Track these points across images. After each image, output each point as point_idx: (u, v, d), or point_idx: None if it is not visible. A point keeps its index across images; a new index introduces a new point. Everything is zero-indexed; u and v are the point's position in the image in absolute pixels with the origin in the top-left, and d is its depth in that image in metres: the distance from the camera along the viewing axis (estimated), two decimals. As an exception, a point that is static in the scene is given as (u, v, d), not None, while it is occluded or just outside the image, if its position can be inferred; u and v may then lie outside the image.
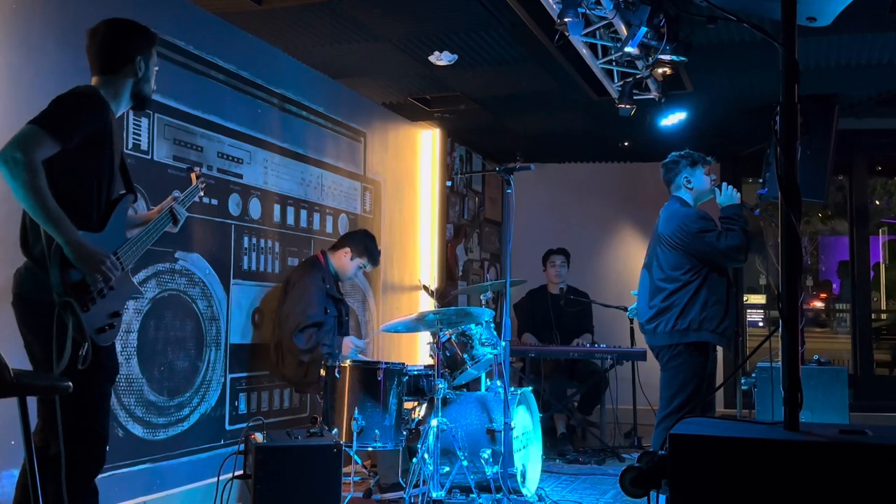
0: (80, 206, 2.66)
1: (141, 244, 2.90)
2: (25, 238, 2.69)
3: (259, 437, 3.72)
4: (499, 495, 4.27)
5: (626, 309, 6.59)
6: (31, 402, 2.28)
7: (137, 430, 3.89)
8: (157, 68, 2.97)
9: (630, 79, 4.87)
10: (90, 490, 2.75)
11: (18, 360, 2.57)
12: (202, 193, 3.39)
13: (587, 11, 4.16)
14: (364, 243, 4.97)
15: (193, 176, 3.33)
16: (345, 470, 3.75)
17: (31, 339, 2.70)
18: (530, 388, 4.93)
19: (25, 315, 2.70)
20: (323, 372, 4.47)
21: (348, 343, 4.81)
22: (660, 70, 4.54)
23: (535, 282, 6.97)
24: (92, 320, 2.63)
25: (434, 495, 4.23)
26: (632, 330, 6.69)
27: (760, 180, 6.15)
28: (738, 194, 4.47)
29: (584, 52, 4.57)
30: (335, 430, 4.19)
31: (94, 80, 2.87)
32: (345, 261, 4.92)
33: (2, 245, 3.24)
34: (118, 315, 2.75)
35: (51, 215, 2.52)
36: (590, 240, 7.96)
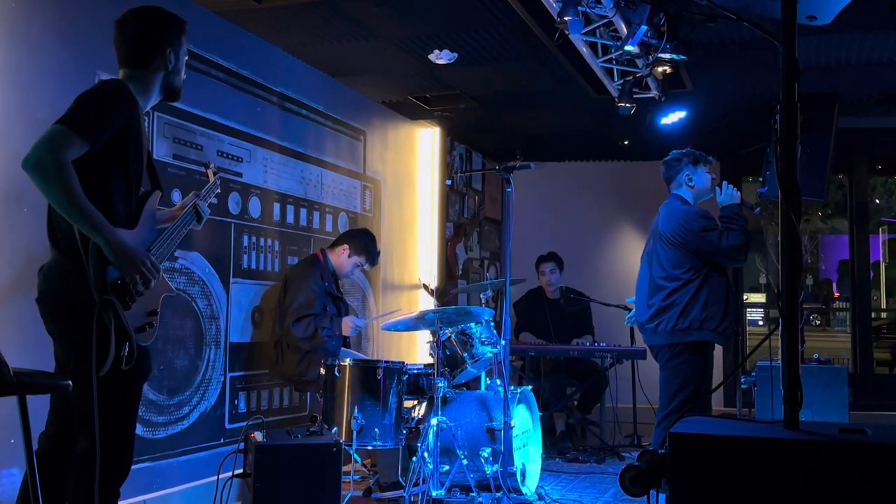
0: (112, 205, 2.56)
1: (171, 242, 2.80)
2: (53, 232, 2.58)
3: (259, 435, 3.72)
4: (498, 494, 4.27)
5: (625, 308, 6.60)
6: (32, 401, 2.27)
7: (137, 429, 3.87)
8: (186, 57, 2.82)
9: (630, 77, 4.87)
10: (116, 494, 2.66)
11: (18, 358, 2.57)
12: (219, 190, 3.28)
13: (587, 10, 4.16)
14: (363, 242, 4.97)
15: (210, 172, 3.23)
16: (344, 468, 3.75)
17: (57, 337, 2.60)
18: (530, 387, 4.93)
19: (55, 312, 2.57)
20: (323, 370, 4.47)
21: (348, 322, 4.79)
22: (660, 69, 4.54)
23: (534, 281, 6.97)
24: (131, 319, 2.53)
25: (434, 494, 4.23)
26: (631, 329, 6.68)
27: (760, 179, 6.15)
28: (738, 193, 4.47)
29: (584, 50, 4.57)
30: (335, 429, 4.19)
31: (121, 73, 2.73)
32: (342, 258, 4.91)
33: (1, 245, 3.24)
34: (156, 314, 2.66)
35: (86, 216, 2.41)
36: (589, 238, 7.96)
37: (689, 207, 4.48)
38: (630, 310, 4.78)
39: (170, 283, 2.87)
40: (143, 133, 2.72)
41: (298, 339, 4.58)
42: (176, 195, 4.15)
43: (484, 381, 5.17)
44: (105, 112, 2.54)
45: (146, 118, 3.96)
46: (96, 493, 2.43)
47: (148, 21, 2.75)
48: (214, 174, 3.24)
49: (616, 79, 4.98)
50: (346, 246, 4.92)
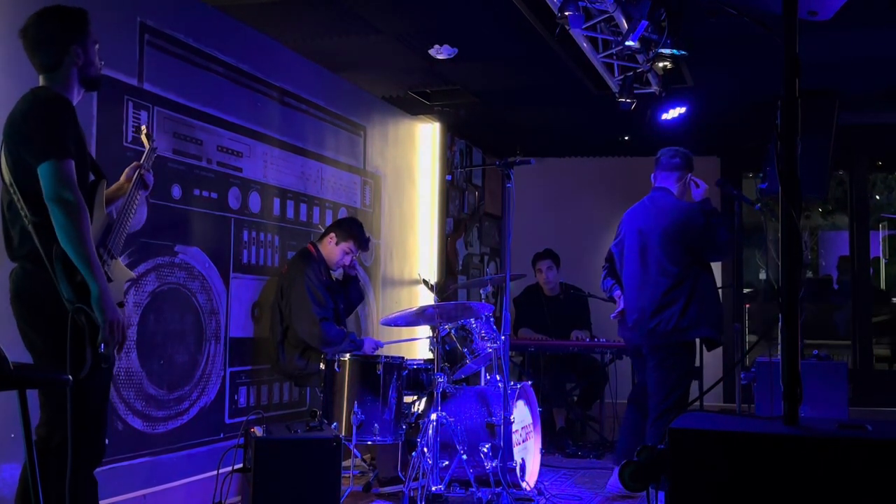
0: None
1: (124, 224, 2.89)
2: (9, 241, 2.69)
3: (258, 430, 3.73)
4: (498, 489, 4.28)
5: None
6: (32, 394, 2.27)
7: (137, 424, 3.89)
8: (97, 45, 2.86)
9: (630, 73, 4.86)
10: (91, 482, 2.76)
11: (18, 353, 2.57)
12: (156, 155, 3.26)
13: (588, 5, 4.15)
14: (347, 227, 4.90)
15: (144, 137, 3.21)
16: (344, 463, 3.75)
17: (33, 336, 2.69)
18: (530, 383, 4.93)
19: (28, 314, 2.69)
20: (322, 366, 4.47)
21: (370, 344, 4.88)
22: (660, 64, 4.54)
23: (532, 278, 6.95)
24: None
25: (433, 489, 4.24)
26: (631, 324, 6.68)
27: (761, 175, 6.15)
28: (705, 186, 4.58)
29: (585, 45, 4.57)
30: (335, 424, 4.20)
31: (41, 80, 2.80)
32: (330, 247, 4.86)
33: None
34: (122, 305, 2.75)
35: (90, 261, 2.55)
36: (589, 234, 7.95)
37: (686, 203, 4.50)
38: (615, 303, 4.81)
39: (127, 268, 2.95)
40: (80, 129, 2.78)
41: (326, 343, 4.58)
42: (176, 190, 4.15)
43: (483, 376, 5.17)
44: (62, 124, 2.65)
45: (145, 112, 3.95)
46: (67, 484, 2.53)
47: (46, 24, 2.79)
48: (149, 138, 3.20)
49: (616, 74, 4.97)
50: (332, 235, 4.87)
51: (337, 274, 5.06)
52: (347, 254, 4.89)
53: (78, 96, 2.84)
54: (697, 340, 4.56)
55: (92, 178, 2.85)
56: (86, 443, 2.65)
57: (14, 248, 2.68)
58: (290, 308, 4.64)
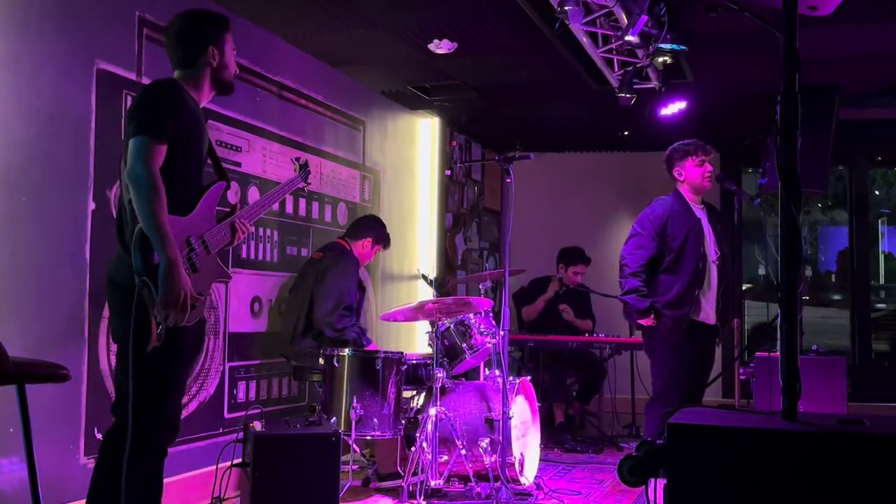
0: (170, 191, 2.70)
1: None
2: (122, 226, 2.77)
3: (258, 425, 3.73)
4: (497, 484, 4.28)
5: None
6: (34, 389, 2.27)
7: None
8: (235, 51, 3.03)
9: (630, 68, 4.85)
10: (144, 475, 2.77)
11: (17, 348, 2.57)
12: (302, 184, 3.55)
13: (587, 0, 4.14)
14: (381, 232, 5.14)
15: (297, 166, 3.55)
16: (343, 458, 3.76)
17: (115, 321, 2.80)
18: (529, 378, 4.94)
19: (112, 298, 2.80)
20: (322, 360, 4.47)
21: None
22: (660, 59, 4.52)
23: (533, 271, 6.94)
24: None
25: (432, 484, 4.24)
26: (630, 320, 6.69)
27: (760, 170, 6.14)
28: None
29: (585, 40, 4.56)
30: (334, 419, 4.20)
31: (175, 74, 2.93)
32: (367, 250, 5.05)
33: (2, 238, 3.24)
34: (201, 296, 2.79)
35: (161, 233, 2.60)
36: (589, 229, 7.95)
37: (649, 207, 4.66)
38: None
39: (225, 268, 3.07)
40: (202, 126, 2.91)
41: (334, 329, 4.62)
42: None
43: (483, 371, 5.18)
44: (166, 108, 2.74)
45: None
46: (125, 468, 2.57)
47: (189, 24, 2.97)
48: (300, 168, 3.52)
49: (616, 69, 4.96)
50: (369, 239, 5.05)
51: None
52: (377, 253, 5.19)
53: (208, 96, 2.99)
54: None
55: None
56: (145, 422, 2.65)
57: (123, 233, 2.76)
58: (321, 287, 4.69)
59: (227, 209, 3.08)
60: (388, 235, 5.18)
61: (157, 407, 2.74)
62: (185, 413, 4.19)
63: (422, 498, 4.17)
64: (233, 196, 4.59)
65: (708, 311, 4.55)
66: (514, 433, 4.49)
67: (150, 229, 2.60)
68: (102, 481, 2.69)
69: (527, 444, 4.76)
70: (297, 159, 3.68)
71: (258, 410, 4.25)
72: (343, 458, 3.74)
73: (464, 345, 4.68)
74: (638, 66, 4.81)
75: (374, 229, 5.12)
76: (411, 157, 6.84)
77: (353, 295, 4.79)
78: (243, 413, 4.46)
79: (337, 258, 4.81)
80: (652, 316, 4.46)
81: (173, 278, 2.60)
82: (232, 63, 3.00)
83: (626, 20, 4.14)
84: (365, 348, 4.70)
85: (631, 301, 4.51)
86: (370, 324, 5.97)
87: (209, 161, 3.03)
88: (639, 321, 4.55)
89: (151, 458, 2.78)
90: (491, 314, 4.86)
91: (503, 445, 4.33)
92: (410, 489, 4.21)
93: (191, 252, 2.78)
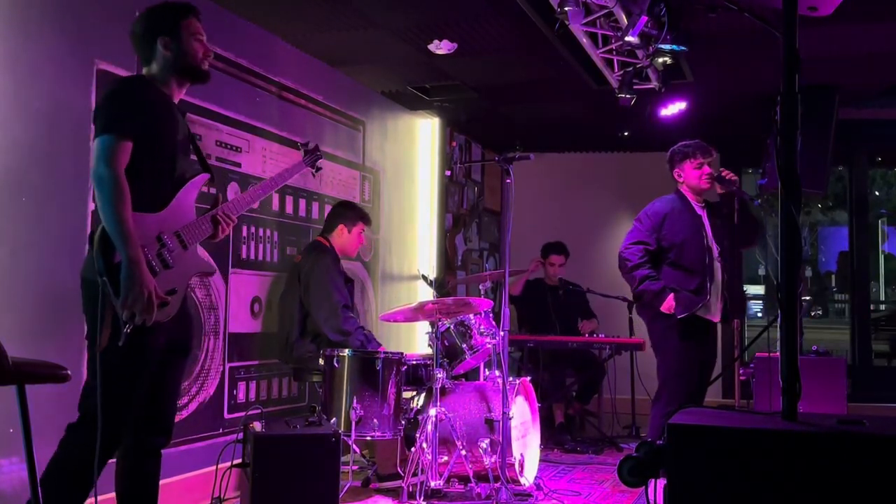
0: (139, 188, 2.70)
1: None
2: (94, 225, 2.77)
3: (258, 425, 3.73)
4: (497, 484, 4.28)
5: (624, 299, 6.62)
6: (31, 389, 2.27)
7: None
8: (196, 37, 2.94)
9: (630, 68, 4.85)
10: (138, 475, 2.84)
11: (17, 347, 2.57)
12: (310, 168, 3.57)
13: (587, 0, 4.14)
14: (350, 212, 4.96)
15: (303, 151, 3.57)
16: (343, 459, 3.75)
17: (86, 319, 2.77)
18: (529, 378, 4.94)
19: (82, 295, 2.77)
20: (321, 361, 4.47)
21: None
22: (660, 59, 4.53)
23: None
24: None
25: (432, 484, 4.24)
26: (630, 320, 6.69)
27: (760, 170, 6.14)
28: None
29: (585, 41, 4.56)
30: (333, 420, 4.20)
31: (143, 71, 2.94)
32: (345, 237, 4.90)
33: (2, 236, 3.24)
34: (173, 293, 2.77)
35: (120, 233, 2.59)
36: (589, 229, 7.96)
37: (649, 204, 4.71)
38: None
39: (207, 260, 3.06)
40: (173, 121, 2.88)
41: (341, 333, 4.59)
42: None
43: (483, 372, 5.18)
44: (127, 105, 2.74)
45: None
46: (96, 468, 2.62)
47: (141, 20, 2.95)
48: (307, 152, 3.53)
49: (616, 69, 4.96)
50: (340, 226, 4.91)
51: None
52: (362, 233, 4.99)
53: (180, 88, 2.96)
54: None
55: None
56: (109, 421, 2.65)
57: (90, 233, 2.76)
58: (310, 296, 4.65)
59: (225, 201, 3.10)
60: (359, 214, 5.00)
61: (119, 406, 2.72)
62: (185, 413, 4.19)
63: (422, 498, 4.17)
64: (232, 196, 4.59)
65: (713, 308, 4.57)
66: (514, 434, 4.49)
67: (111, 228, 2.60)
68: (51, 468, 2.68)
69: (527, 445, 4.76)
70: (305, 143, 3.62)
71: (258, 411, 4.24)
72: (343, 458, 3.74)
73: (464, 345, 4.68)
74: (638, 66, 4.81)
75: (341, 214, 4.96)
76: (411, 158, 6.83)
77: (343, 291, 4.72)
78: (243, 413, 4.46)
79: (315, 260, 4.73)
80: (671, 296, 4.46)
81: (134, 278, 2.59)
82: (194, 49, 2.92)
83: (625, 21, 4.14)
84: (367, 346, 4.70)
85: (645, 286, 4.51)
86: (370, 324, 5.97)
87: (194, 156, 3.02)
88: (658, 306, 4.50)
89: (142, 458, 2.80)
90: (491, 315, 4.86)
91: (503, 446, 4.32)
92: (410, 490, 4.21)
93: (162, 248, 2.75)
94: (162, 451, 2.99)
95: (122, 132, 2.67)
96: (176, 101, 2.96)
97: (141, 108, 2.75)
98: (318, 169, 3.64)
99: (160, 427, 2.94)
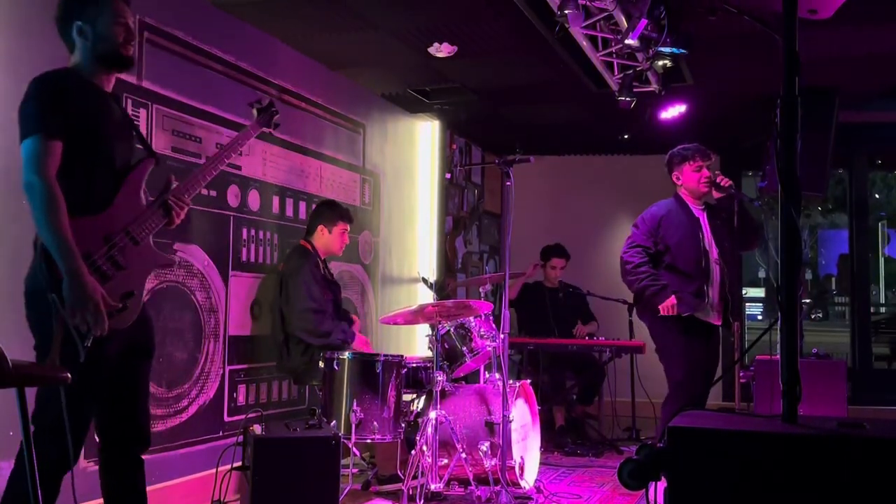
0: (77, 189, 2.57)
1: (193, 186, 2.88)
2: (37, 238, 2.66)
3: (258, 428, 3.72)
4: (497, 487, 4.28)
5: (624, 301, 6.61)
6: (31, 392, 2.27)
7: (136, 422, 3.88)
8: (116, 20, 2.71)
9: (630, 71, 4.86)
10: (123, 486, 2.78)
11: (16, 351, 2.57)
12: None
13: (587, 3, 4.15)
14: (328, 212, 4.88)
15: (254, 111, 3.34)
16: (343, 462, 3.75)
17: (32, 331, 2.66)
18: (529, 381, 4.93)
19: (25, 304, 2.67)
20: (321, 364, 4.46)
21: (363, 340, 4.87)
22: (660, 62, 4.53)
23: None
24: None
25: (432, 487, 4.24)
26: (631, 322, 6.69)
27: (760, 173, 6.14)
28: None
29: (584, 44, 4.56)
30: (334, 422, 4.19)
31: (70, 63, 2.77)
32: (326, 237, 4.83)
33: (2, 241, 3.24)
34: (131, 295, 2.64)
35: (57, 245, 2.46)
36: (589, 232, 7.96)
37: (645, 211, 4.72)
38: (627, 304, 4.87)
39: (165, 254, 2.87)
40: (105, 111, 2.70)
41: (317, 335, 4.57)
42: (175, 188, 4.14)
43: (483, 374, 5.17)
44: (49, 102, 2.54)
45: (144, 109, 3.94)
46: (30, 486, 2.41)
47: (61, 3, 2.74)
48: (259, 111, 3.30)
49: (616, 72, 4.97)
50: (321, 227, 4.83)
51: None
52: (344, 232, 4.89)
53: (107, 76, 2.76)
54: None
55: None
56: (49, 441, 2.52)
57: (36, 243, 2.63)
58: (288, 303, 4.64)
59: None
60: (339, 213, 4.86)
61: (78, 418, 2.57)
62: (185, 416, 4.19)
63: (422, 501, 4.17)
64: (233, 199, 4.59)
65: (713, 311, 4.57)
66: (515, 436, 4.49)
67: (47, 241, 2.47)
68: (12, 481, 2.58)
69: (527, 448, 4.76)
70: (257, 101, 3.37)
71: (258, 414, 4.24)
72: (343, 461, 3.74)
73: (464, 348, 4.67)
74: (638, 69, 4.81)
75: (321, 214, 4.88)
76: (411, 160, 6.84)
77: (315, 295, 4.63)
78: (243, 416, 4.46)
79: (293, 267, 4.69)
80: (673, 297, 4.45)
81: (76, 290, 2.46)
82: (114, 33, 2.69)
83: (625, 24, 4.15)
84: (352, 344, 4.68)
85: (647, 282, 4.52)
86: (370, 327, 5.97)
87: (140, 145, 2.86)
88: (658, 304, 4.50)
89: (124, 471, 2.74)
90: (491, 317, 4.85)
91: (503, 449, 4.32)
92: (410, 493, 4.20)
93: (111, 250, 2.60)
94: (143, 457, 2.90)
95: (49, 131, 2.48)
96: (109, 89, 2.77)
97: (66, 102, 2.54)
98: (277, 125, 3.38)
99: (135, 436, 2.82)
